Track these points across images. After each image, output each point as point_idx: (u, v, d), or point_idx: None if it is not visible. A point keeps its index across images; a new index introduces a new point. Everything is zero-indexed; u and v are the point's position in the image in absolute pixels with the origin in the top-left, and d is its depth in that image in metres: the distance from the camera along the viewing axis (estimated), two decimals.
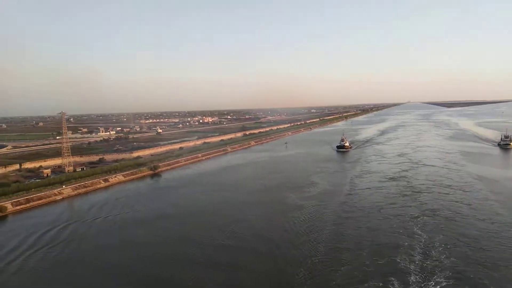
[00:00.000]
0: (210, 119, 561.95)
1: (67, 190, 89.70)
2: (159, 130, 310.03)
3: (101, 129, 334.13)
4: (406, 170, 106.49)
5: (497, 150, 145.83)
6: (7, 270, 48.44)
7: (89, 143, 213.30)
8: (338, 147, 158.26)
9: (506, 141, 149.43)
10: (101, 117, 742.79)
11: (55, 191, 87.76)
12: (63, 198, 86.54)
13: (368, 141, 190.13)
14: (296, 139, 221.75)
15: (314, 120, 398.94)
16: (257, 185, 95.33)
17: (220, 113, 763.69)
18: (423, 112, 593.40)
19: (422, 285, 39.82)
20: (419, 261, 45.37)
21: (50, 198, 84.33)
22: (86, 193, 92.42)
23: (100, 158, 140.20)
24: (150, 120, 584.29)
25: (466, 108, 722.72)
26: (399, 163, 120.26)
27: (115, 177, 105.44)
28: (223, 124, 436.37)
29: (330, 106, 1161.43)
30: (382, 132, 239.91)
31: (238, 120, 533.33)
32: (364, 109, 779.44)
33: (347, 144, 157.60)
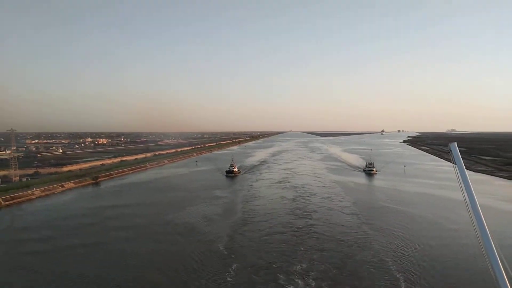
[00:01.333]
0: (105, 141, 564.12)
1: (37, 192, 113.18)
2: (60, 151, 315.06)
3: None
4: (287, 191, 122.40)
5: (362, 175, 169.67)
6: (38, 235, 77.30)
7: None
8: (227, 172, 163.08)
9: (369, 167, 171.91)
10: None
11: (29, 192, 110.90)
12: (36, 197, 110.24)
13: (256, 166, 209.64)
14: (200, 159, 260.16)
15: (212, 144, 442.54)
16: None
17: (108, 135, 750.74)
18: (302, 140, 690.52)
19: None
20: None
21: (28, 197, 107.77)
22: (50, 195, 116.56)
23: (35, 171, 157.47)
24: (36, 141, 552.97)
25: (338, 137, 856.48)
26: (280, 183, 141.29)
27: (68, 184, 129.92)
28: (121, 146, 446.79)
29: (221, 132, 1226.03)
30: (270, 155, 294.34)
31: (135, 142, 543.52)
32: (253, 136, 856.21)
33: (235, 169, 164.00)
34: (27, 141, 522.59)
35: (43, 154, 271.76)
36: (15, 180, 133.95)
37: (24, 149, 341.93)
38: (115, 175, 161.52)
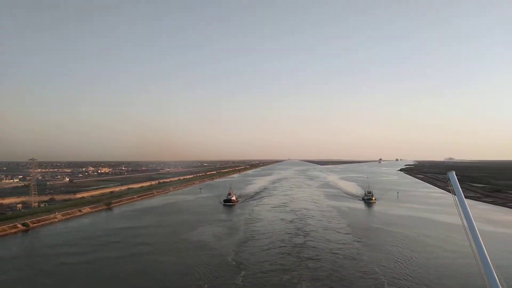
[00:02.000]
0: (106, 170, 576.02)
1: (58, 215, 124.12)
2: (67, 179, 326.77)
3: (2, 176, 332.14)
4: (285, 215, 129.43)
5: (357, 200, 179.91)
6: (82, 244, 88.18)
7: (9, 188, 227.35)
8: (225, 201, 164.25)
9: (368, 196, 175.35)
10: None
11: (51, 215, 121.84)
12: (58, 220, 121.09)
13: (258, 192, 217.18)
14: (203, 186, 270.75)
15: (213, 172, 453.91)
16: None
17: (108, 164, 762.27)
18: (300, 168, 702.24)
19: None
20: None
21: (51, 220, 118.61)
22: (70, 218, 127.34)
23: (50, 198, 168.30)
24: (39, 170, 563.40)
25: (336, 165, 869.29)
26: (280, 207, 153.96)
27: (85, 209, 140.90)
28: (124, 174, 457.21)
29: (220, 160, 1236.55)
30: (270, 183, 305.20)
31: (136, 171, 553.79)
32: (252, 164, 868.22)
33: (233, 198, 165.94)
34: (30, 169, 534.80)
35: (51, 183, 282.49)
36: (34, 205, 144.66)
37: (31, 177, 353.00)
38: (126, 201, 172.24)
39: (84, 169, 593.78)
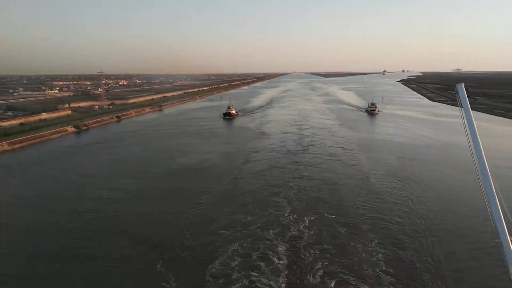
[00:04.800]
0: (124, 82, 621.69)
1: (133, 113, 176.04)
2: (99, 90, 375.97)
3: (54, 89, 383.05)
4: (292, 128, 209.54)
5: (366, 117, 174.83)
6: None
7: (70, 95, 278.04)
8: (224, 114, 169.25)
9: (372, 107, 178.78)
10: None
11: (129, 112, 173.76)
12: (134, 115, 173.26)
13: (262, 106, 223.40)
14: (222, 95, 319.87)
15: (225, 85, 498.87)
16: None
17: (117, 77, 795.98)
18: (305, 80, 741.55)
19: None
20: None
21: (130, 116, 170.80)
22: (140, 114, 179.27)
23: (112, 102, 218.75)
24: (61, 82, 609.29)
25: (340, 78, 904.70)
26: (285, 108, 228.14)
27: (146, 109, 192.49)
28: (144, 86, 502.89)
29: (225, 74, 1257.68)
30: (278, 93, 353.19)
31: (151, 83, 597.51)
32: (258, 78, 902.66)
33: (233, 111, 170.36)
34: (55, 82, 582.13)
35: (92, 92, 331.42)
36: (105, 107, 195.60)
37: (66, 89, 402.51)
38: (170, 105, 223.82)
39: (104, 81, 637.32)
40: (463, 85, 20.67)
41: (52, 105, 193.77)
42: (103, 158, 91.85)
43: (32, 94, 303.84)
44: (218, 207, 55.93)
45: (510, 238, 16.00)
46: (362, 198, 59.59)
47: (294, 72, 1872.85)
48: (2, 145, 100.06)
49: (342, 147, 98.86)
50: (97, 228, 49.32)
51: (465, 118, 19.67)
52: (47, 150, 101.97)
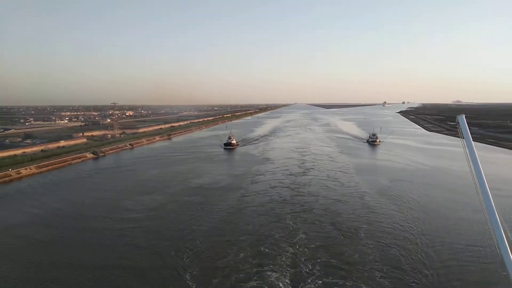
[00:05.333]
0: (130, 113, 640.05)
1: (145, 141, 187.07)
2: (108, 120, 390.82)
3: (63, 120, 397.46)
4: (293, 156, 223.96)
5: (366, 145, 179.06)
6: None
7: (81, 125, 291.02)
8: (225, 144, 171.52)
9: (373, 138, 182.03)
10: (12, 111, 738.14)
11: (140, 141, 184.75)
12: (145, 144, 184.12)
13: (266, 135, 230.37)
14: (227, 125, 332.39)
15: (228, 115, 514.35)
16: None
17: (121, 108, 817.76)
18: (307, 111, 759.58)
19: None
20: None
21: (142, 144, 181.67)
22: (151, 143, 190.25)
23: (123, 131, 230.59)
24: (68, 113, 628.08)
25: (341, 109, 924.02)
26: (288, 137, 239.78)
27: (156, 138, 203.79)
28: (151, 117, 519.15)
29: (228, 104, 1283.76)
30: (280, 123, 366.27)
31: (157, 114, 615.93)
32: (261, 108, 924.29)
33: (233, 141, 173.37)
34: (62, 113, 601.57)
35: (102, 122, 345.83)
36: (117, 136, 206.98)
37: (75, 119, 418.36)
38: (178, 134, 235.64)
39: (110, 112, 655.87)
40: (463, 116, 20.85)
41: (65, 134, 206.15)
42: (123, 179, 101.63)
43: (43, 124, 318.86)
44: (228, 218, 65.19)
45: None
46: (357, 212, 68.74)
47: (296, 103, 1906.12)
48: (30, 169, 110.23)
49: (341, 171, 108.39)
50: (131, 234, 58.44)
51: (466, 148, 19.68)
52: (71, 172, 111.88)
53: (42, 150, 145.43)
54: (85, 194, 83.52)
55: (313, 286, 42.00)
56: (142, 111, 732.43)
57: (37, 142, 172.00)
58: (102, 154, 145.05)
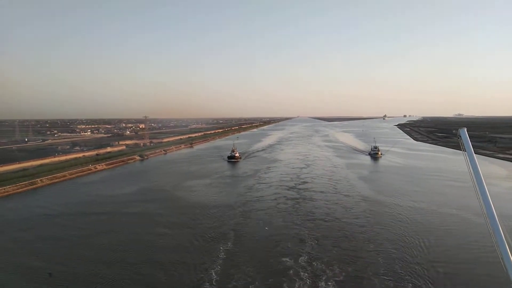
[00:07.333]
0: (142, 126, 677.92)
1: (174, 148, 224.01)
2: (127, 132, 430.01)
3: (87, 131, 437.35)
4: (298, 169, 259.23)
5: (368, 158, 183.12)
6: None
7: (108, 136, 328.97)
8: (228, 157, 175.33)
9: (375, 151, 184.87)
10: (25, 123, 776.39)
11: (170, 148, 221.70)
12: (174, 151, 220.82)
13: (278, 141, 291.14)
14: (234, 136, 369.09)
15: (236, 127, 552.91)
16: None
17: (128, 121, 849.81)
18: (309, 124, 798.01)
19: None
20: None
21: (172, 150, 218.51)
22: (178, 150, 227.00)
23: (150, 141, 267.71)
24: (83, 126, 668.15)
25: (342, 122, 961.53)
26: (290, 147, 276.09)
27: (181, 146, 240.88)
28: (163, 129, 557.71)
29: (233, 118, 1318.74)
30: (284, 134, 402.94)
31: (168, 127, 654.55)
32: (264, 122, 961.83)
33: (237, 154, 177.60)
34: (79, 126, 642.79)
35: (124, 134, 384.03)
36: (148, 144, 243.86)
37: (97, 131, 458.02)
38: (198, 143, 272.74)
39: (124, 125, 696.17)
40: (465, 130, 20.91)
41: (100, 143, 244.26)
42: (175, 171, 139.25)
43: (70, 136, 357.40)
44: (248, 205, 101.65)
45: None
46: (355, 211, 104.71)
47: (298, 116, 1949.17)
48: (102, 166, 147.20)
49: (340, 179, 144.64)
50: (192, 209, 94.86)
51: (468, 161, 19.98)
52: (131, 168, 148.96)
53: (96, 154, 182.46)
54: (153, 178, 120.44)
55: None
56: (152, 124, 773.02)
57: (84, 149, 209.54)
58: (146, 157, 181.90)
